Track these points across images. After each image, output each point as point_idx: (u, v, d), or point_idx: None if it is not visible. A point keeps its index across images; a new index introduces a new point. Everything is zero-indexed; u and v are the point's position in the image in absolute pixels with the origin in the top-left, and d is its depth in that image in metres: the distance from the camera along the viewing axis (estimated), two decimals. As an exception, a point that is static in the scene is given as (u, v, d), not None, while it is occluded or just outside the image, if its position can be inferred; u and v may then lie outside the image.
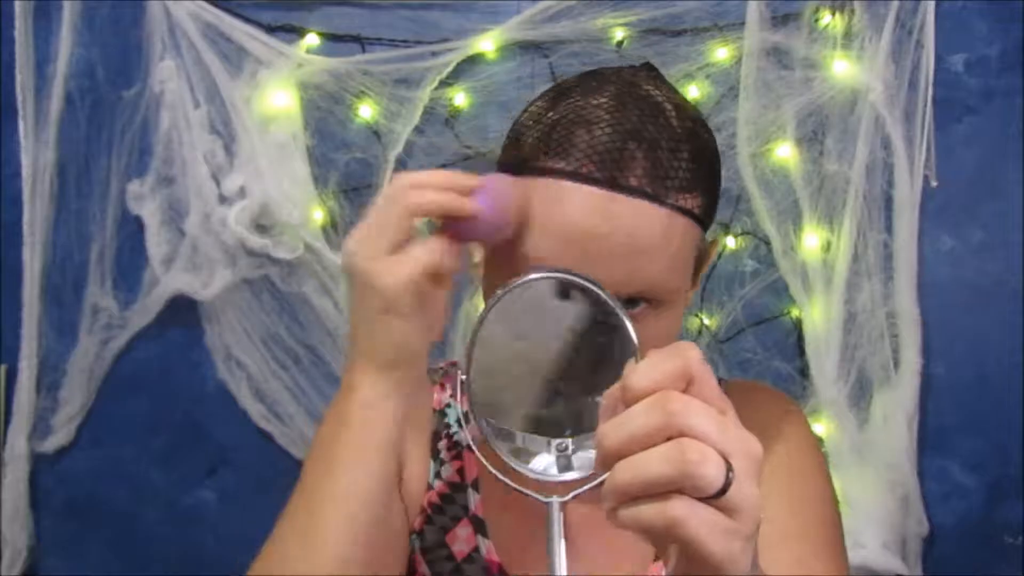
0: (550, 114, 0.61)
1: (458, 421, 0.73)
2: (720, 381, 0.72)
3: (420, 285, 0.54)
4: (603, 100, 0.60)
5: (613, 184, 0.57)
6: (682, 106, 0.62)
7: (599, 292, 0.51)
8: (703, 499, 0.40)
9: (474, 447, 0.52)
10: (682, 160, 0.59)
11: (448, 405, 0.75)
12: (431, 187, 0.55)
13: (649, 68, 0.67)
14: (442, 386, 0.76)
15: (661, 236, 0.58)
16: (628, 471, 0.41)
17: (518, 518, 0.67)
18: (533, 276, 0.52)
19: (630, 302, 0.59)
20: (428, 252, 0.54)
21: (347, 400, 0.58)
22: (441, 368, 0.79)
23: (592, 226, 0.57)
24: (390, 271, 0.54)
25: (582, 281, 0.51)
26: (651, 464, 0.40)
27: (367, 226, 0.56)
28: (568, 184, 0.58)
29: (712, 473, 0.40)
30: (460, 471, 0.70)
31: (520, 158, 0.61)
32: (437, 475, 0.70)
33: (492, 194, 0.55)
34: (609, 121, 0.59)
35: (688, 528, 0.40)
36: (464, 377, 0.53)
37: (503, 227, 0.56)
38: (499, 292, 0.52)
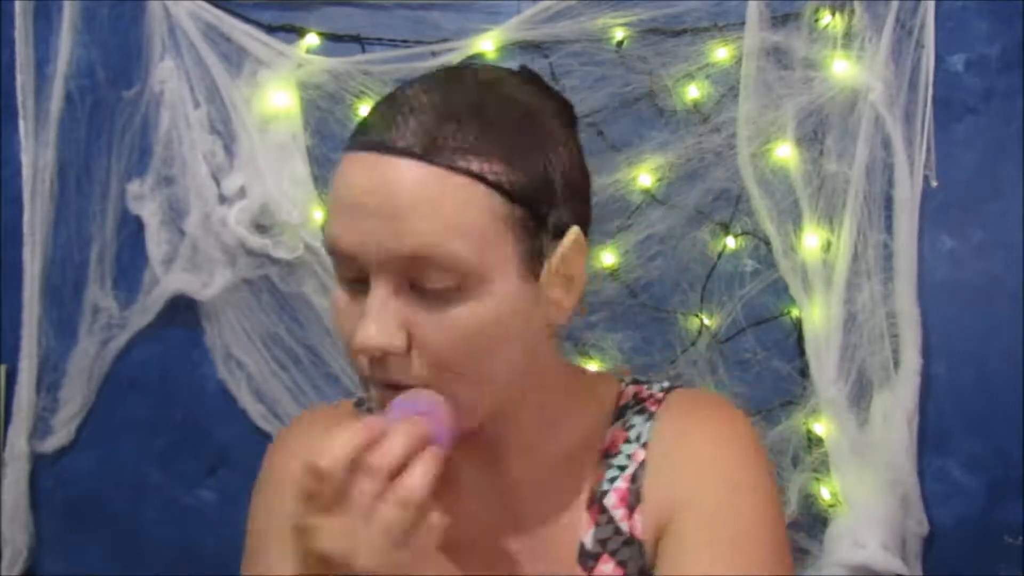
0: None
1: None
2: (669, 389, 0.70)
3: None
4: (418, 79, 0.63)
5: (381, 147, 0.58)
6: (498, 86, 0.61)
7: None
8: None
9: None
10: (467, 125, 0.58)
11: None
12: (409, 466, 0.52)
13: (524, 71, 0.66)
14: None
15: (431, 193, 0.56)
16: None
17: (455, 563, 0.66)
18: None
19: (428, 293, 0.57)
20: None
21: None
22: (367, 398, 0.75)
23: (361, 188, 0.58)
24: (372, 557, 0.51)
25: None
26: None
27: (331, 503, 0.52)
28: (351, 155, 0.60)
29: None
30: None
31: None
32: None
33: (433, 416, 0.56)
34: (395, 96, 0.61)
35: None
36: None
37: (452, 435, 0.57)
38: None
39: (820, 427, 1.26)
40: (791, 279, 1.27)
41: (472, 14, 1.32)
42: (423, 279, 0.57)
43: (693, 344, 1.29)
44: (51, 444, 1.37)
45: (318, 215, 1.32)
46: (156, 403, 1.38)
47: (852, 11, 1.27)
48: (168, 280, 1.32)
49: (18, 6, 1.34)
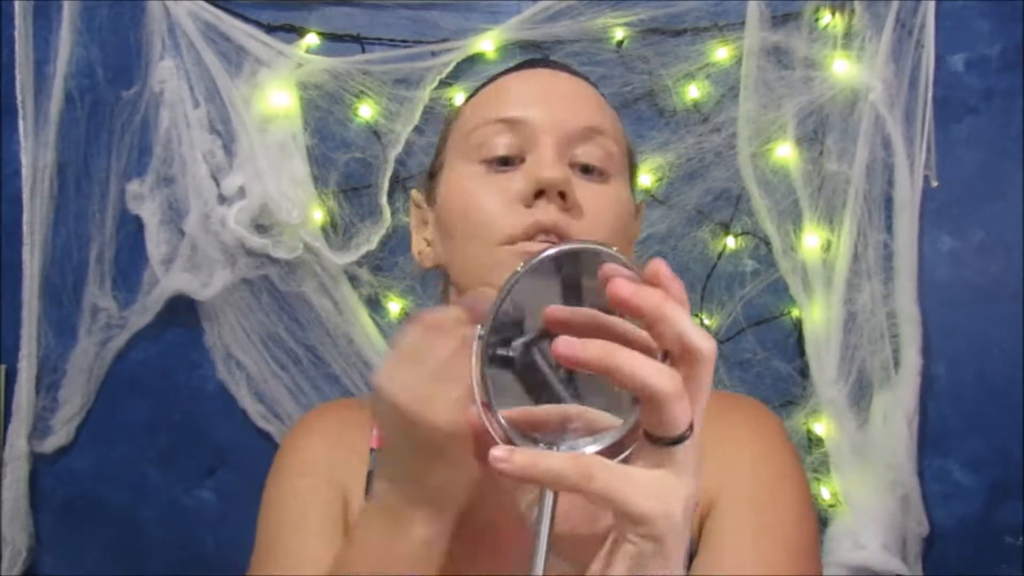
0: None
1: None
2: None
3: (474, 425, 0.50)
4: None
5: (541, 64, 0.72)
6: None
7: (619, 257, 0.47)
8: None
9: (480, 409, 0.49)
10: (586, 79, 0.73)
11: None
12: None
13: None
14: None
15: (594, 96, 0.69)
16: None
17: (463, 550, 0.66)
18: (556, 250, 0.49)
19: (585, 170, 0.65)
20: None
21: (403, 539, 0.54)
22: None
23: (536, 80, 0.68)
24: (444, 411, 0.51)
25: (607, 250, 0.48)
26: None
27: (406, 356, 0.52)
28: (510, 74, 0.72)
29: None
30: None
31: (453, 111, 0.74)
32: None
33: None
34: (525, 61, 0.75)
35: None
36: (483, 333, 0.49)
37: None
38: (520, 266, 0.49)
39: (820, 427, 1.26)
40: (791, 279, 1.27)
41: (472, 14, 1.32)
42: (583, 154, 0.65)
43: (693, 344, 1.29)
44: (51, 444, 1.36)
45: (318, 215, 1.31)
46: (155, 403, 1.38)
47: (852, 11, 1.27)
48: (168, 280, 1.32)
49: (18, 6, 1.34)
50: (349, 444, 0.71)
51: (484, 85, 0.73)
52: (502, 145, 0.64)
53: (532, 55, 1.30)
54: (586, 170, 0.65)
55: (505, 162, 0.64)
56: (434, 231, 0.70)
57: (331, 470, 0.70)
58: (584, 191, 0.63)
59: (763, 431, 0.70)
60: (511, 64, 0.76)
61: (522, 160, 0.64)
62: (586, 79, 0.73)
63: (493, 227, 0.62)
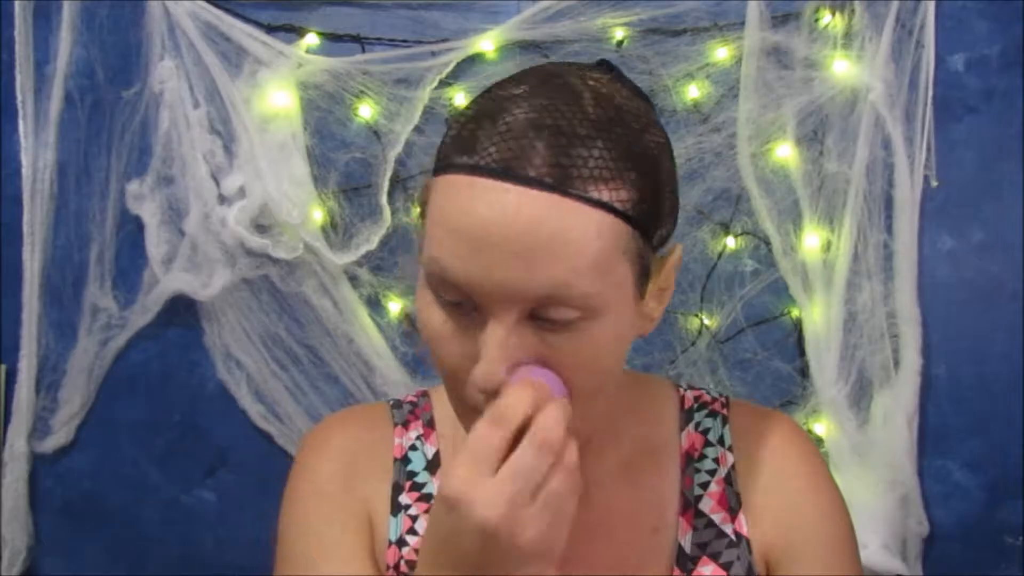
0: (467, 110, 0.58)
1: (426, 468, 0.68)
2: (728, 402, 0.71)
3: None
4: (517, 91, 0.56)
5: (508, 174, 0.52)
6: (609, 97, 0.57)
7: None
8: None
9: None
10: (594, 149, 0.54)
11: (413, 448, 0.69)
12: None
13: (604, 66, 0.62)
14: (405, 427, 0.70)
15: (564, 228, 0.52)
16: None
17: None
18: None
19: (558, 323, 0.54)
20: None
21: None
22: (409, 402, 0.72)
23: (486, 219, 0.52)
24: (542, 547, 0.48)
25: None
26: None
27: (510, 476, 0.49)
28: (466, 178, 0.54)
29: None
30: None
31: (437, 160, 0.58)
32: (411, 531, 0.67)
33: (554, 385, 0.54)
34: (514, 111, 0.54)
35: None
36: None
37: None
38: None
39: (820, 427, 1.26)
40: (791, 279, 1.27)
41: (472, 14, 1.32)
42: (546, 314, 0.54)
43: (693, 344, 1.29)
44: (51, 444, 1.37)
45: (318, 215, 1.31)
46: (155, 403, 1.38)
47: (852, 11, 1.27)
48: (168, 280, 1.32)
49: (18, 6, 1.34)
50: (368, 460, 0.69)
51: (455, 158, 0.56)
52: (457, 295, 0.55)
53: (530, 55, 1.30)
54: (551, 323, 0.55)
55: (462, 301, 0.56)
56: None
57: (350, 491, 0.67)
58: (552, 348, 0.55)
59: (810, 455, 0.71)
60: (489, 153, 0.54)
61: (476, 308, 0.55)
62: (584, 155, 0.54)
63: (456, 386, 0.58)
